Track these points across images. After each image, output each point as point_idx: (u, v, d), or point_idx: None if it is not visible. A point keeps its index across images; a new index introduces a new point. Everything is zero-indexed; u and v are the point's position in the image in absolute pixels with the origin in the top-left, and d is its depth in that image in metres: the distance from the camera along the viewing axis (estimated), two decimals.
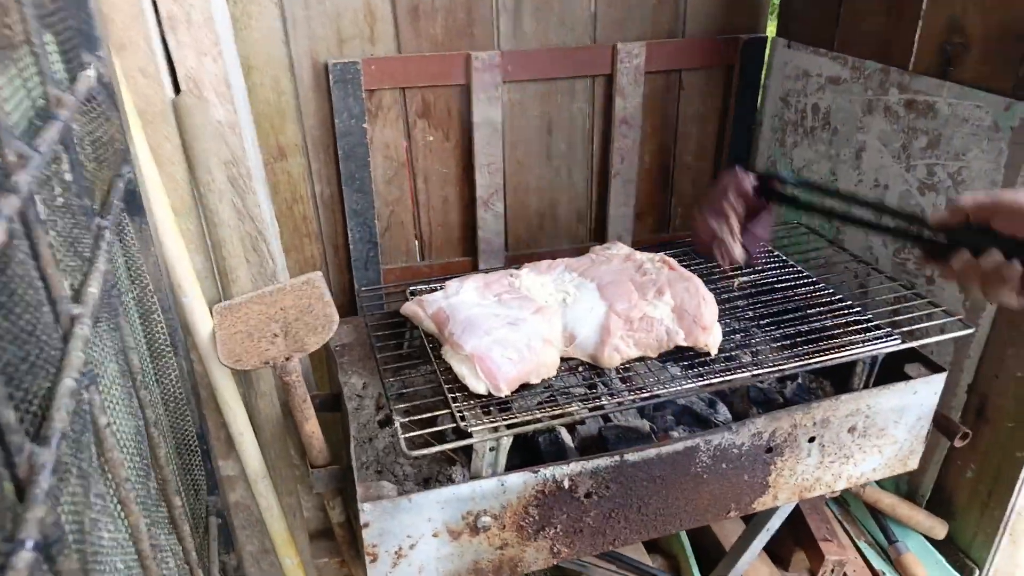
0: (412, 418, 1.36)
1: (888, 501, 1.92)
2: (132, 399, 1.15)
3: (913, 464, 1.69)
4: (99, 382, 0.91)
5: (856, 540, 1.92)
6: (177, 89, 1.52)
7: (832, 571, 1.81)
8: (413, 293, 1.75)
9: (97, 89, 1.14)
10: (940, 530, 1.88)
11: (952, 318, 1.62)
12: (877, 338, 1.56)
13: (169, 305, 1.43)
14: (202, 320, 1.54)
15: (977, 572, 1.84)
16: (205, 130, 1.49)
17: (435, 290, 1.71)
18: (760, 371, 1.48)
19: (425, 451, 1.28)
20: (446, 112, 2.13)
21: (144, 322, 1.38)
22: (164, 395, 1.46)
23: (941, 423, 1.64)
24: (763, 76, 2.30)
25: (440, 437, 1.54)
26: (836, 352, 1.51)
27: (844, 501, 2.04)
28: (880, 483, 1.98)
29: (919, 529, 1.90)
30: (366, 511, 1.27)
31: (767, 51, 2.25)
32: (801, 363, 1.49)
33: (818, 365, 1.49)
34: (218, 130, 1.55)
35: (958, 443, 1.61)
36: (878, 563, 1.88)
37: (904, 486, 2.01)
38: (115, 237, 1.25)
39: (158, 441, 1.24)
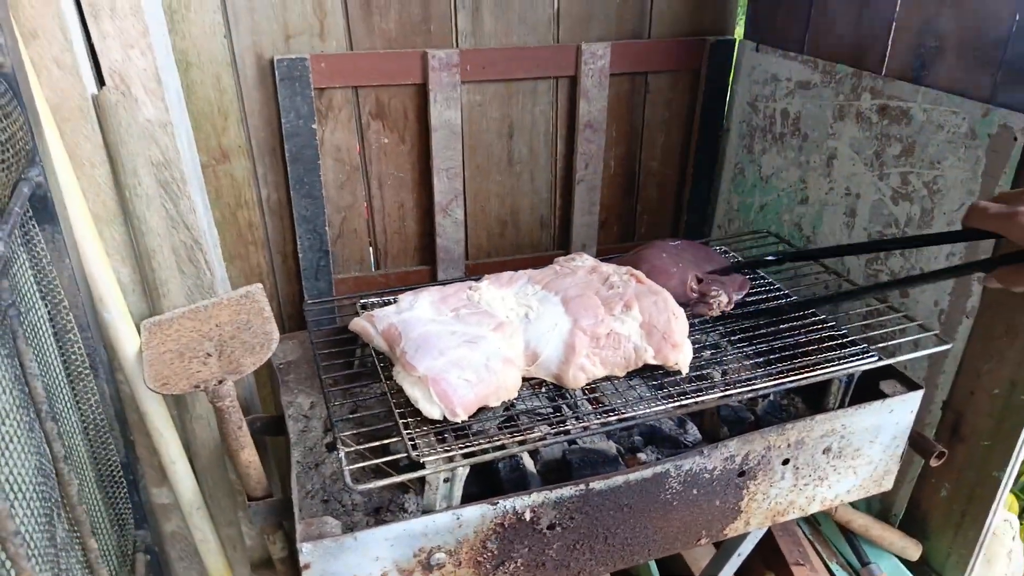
0: (359, 447, 1.24)
1: (861, 522, 1.85)
2: (35, 432, 1.01)
3: (888, 484, 1.62)
4: None
5: (828, 562, 1.85)
6: (102, 84, 1.38)
7: None
8: (364, 306, 1.63)
9: None
10: (914, 551, 1.82)
11: (927, 333, 1.55)
12: (853, 355, 1.49)
13: (87, 323, 1.29)
14: (128, 338, 1.40)
15: None
16: (132, 129, 1.36)
17: (388, 303, 1.59)
18: (733, 392, 1.40)
19: (372, 485, 1.16)
20: (402, 113, 2.01)
21: (59, 342, 1.24)
22: (83, 422, 1.32)
23: (917, 442, 1.57)
24: (731, 80, 2.23)
25: (393, 463, 1.43)
26: (812, 370, 1.44)
27: (815, 521, 1.97)
28: (853, 503, 1.91)
29: (892, 550, 1.84)
30: (306, 551, 1.15)
31: (735, 54, 2.19)
32: (775, 382, 1.41)
33: (793, 384, 1.41)
34: (147, 129, 1.41)
35: (934, 463, 1.54)
36: None
37: (877, 505, 1.95)
38: (20, 249, 1.11)
39: (69, 478, 1.10)
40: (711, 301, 1.57)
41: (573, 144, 2.17)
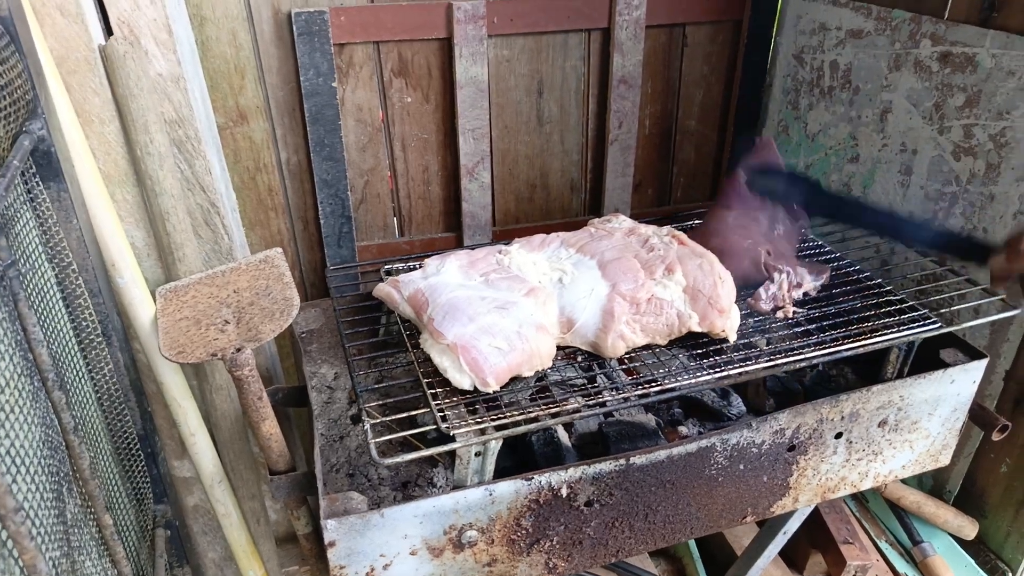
0: (386, 419, 1.17)
1: (912, 498, 1.75)
2: (40, 402, 0.95)
3: (945, 460, 1.52)
4: None
5: (877, 541, 1.76)
6: (110, 35, 1.30)
7: None
8: (389, 272, 1.56)
9: None
10: (970, 530, 1.72)
11: (992, 298, 1.44)
12: (913, 321, 1.38)
13: (99, 288, 1.22)
14: (143, 305, 1.33)
15: (1009, 575, 1.68)
16: (142, 83, 1.28)
17: (413, 268, 1.52)
18: (782, 361, 1.30)
19: (399, 458, 1.09)
20: (425, 70, 1.91)
21: (68, 308, 1.17)
22: (97, 392, 1.26)
23: (978, 415, 1.47)
24: (775, 31, 2.09)
25: (421, 435, 1.36)
26: (868, 337, 1.33)
27: (863, 497, 1.87)
28: (904, 479, 1.81)
29: (946, 528, 1.74)
30: (330, 528, 1.09)
31: (779, 3, 2.05)
32: (829, 351, 1.31)
33: (850, 353, 1.31)
34: (158, 84, 1.33)
35: (996, 436, 1.44)
36: (902, 566, 1.72)
37: (929, 481, 1.85)
38: (24, 207, 1.04)
39: (80, 451, 1.04)
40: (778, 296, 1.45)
41: (606, 102, 2.06)
